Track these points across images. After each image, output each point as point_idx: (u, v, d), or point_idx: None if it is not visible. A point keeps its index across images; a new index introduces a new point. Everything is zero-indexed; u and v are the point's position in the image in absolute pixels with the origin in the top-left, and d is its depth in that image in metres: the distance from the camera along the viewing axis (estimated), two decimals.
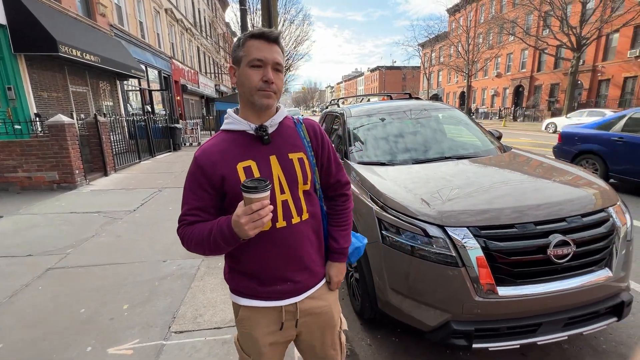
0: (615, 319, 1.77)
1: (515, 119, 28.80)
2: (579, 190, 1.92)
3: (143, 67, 13.09)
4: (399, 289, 1.85)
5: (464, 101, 33.66)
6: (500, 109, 31.62)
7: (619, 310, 1.76)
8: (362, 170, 2.47)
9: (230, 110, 1.03)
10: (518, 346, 1.67)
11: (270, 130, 0.97)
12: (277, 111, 1.02)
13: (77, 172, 6.16)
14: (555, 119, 17.61)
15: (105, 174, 7.21)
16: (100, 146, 7.08)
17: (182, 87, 19.04)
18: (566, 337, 1.70)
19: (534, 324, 1.66)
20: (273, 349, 1.07)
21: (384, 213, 1.93)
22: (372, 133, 3.06)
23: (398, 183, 2.15)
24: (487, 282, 1.62)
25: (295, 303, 1.03)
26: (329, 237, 1.14)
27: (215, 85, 29.07)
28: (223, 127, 1.02)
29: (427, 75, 41.36)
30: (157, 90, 15.65)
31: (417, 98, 4.13)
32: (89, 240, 3.71)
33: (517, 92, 30.73)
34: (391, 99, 4.85)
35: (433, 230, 1.70)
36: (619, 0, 18.54)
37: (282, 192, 0.96)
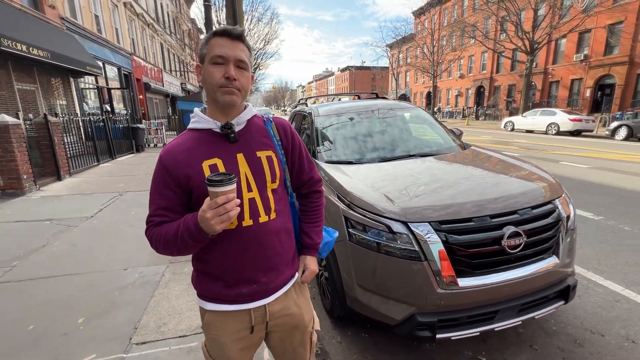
0: (562, 302, 1.91)
1: (477, 117, 30.39)
2: (531, 184, 2.06)
3: (100, 64, 12.29)
4: (367, 285, 1.88)
5: (431, 101, 34.98)
6: (463, 109, 33.20)
7: (566, 293, 1.90)
8: (330, 169, 2.48)
9: (197, 109, 1.01)
10: (478, 333, 1.76)
11: (237, 129, 0.97)
12: (245, 109, 1.01)
13: (25, 177, 5.66)
14: (512, 118, 18.78)
15: (59, 179, 6.69)
16: (52, 148, 6.55)
17: (145, 86, 18.13)
18: (520, 322, 1.81)
19: (491, 311, 1.76)
20: (242, 354, 1.05)
21: (351, 211, 1.95)
22: (340, 132, 3.08)
23: (364, 181, 2.18)
24: (449, 274, 1.69)
25: (264, 305, 1.01)
26: (302, 233, 1.16)
27: (182, 83, 27.99)
28: (190, 126, 1.01)
29: (396, 75, 42.47)
30: (117, 88, 14.78)
31: (384, 98, 4.22)
32: (39, 250, 3.42)
33: (479, 93, 32.41)
34: (359, 98, 4.93)
35: (397, 227, 1.75)
36: (565, 8, 20.16)
37: (250, 190, 0.95)
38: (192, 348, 1.96)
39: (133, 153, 10.86)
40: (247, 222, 0.95)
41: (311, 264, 1.15)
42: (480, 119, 29.91)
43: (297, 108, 4.44)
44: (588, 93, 21.61)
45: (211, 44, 0.91)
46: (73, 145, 7.64)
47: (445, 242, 1.69)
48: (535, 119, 16.91)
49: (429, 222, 1.72)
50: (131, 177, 7.06)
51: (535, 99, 25.05)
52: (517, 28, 20.30)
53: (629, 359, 1.92)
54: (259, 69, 27.20)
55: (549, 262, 1.83)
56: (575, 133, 15.36)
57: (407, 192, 1.95)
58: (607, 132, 13.92)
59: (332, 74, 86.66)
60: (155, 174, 0.96)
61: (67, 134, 7.49)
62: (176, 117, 20.84)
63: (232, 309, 0.99)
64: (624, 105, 19.55)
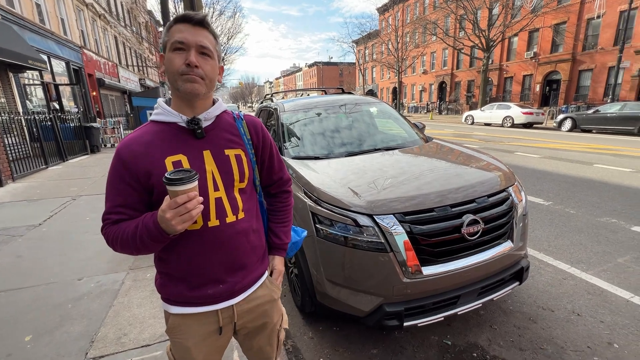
0: (517, 283, 2.05)
1: (440, 112, 31.72)
2: (488, 173, 2.17)
3: (45, 58, 11.24)
4: (335, 279, 1.89)
5: (397, 96, 35.93)
6: (427, 103, 34.51)
7: (520, 275, 2.04)
8: (297, 165, 2.45)
9: (160, 100, 0.94)
10: (443, 318, 1.83)
11: (205, 124, 0.92)
12: (214, 104, 0.96)
13: None
14: (472, 112, 19.80)
15: (0, 184, 6.07)
16: None
17: (98, 81, 16.89)
18: (481, 305, 1.92)
19: (454, 296, 1.84)
20: (210, 356, 1.02)
21: (318, 207, 1.95)
22: (307, 128, 3.06)
23: (331, 176, 2.18)
24: (414, 263, 1.74)
25: (232, 306, 0.98)
26: (271, 232, 1.14)
27: (140, 79, 26.41)
28: (152, 117, 0.94)
29: (362, 71, 43.09)
30: (66, 84, 13.64)
31: (350, 93, 4.25)
32: None
33: (441, 88, 33.81)
34: (326, 93, 4.92)
35: (363, 220, 1.76)
36: (516, 8, 21.52)
37: (216, 189, 0.91)
38: (157, 357, 1.86)
39: (87, 154, 10.10)
40: (214, 222, 0.91)
41: (279, 264, 1.14)
42: (443, 113, 31.25)
43: (263, 104, 4.35)
44: (538, 88, 23.31)
45: (172, 31, 0.86)
46: (16, 147, 6.94)
47: (409, 233, 1.74)
48: (492, 113, 17.97)
49: (394, 214, 1.76)
50: (85, 179, 6.56)
51: (492, 94, 26.58)
52: (474, 26, 21.38)
53: (574, 330, 2.10)
54: (224, 64, 26.36)
55: (505, 247, 1.94)
56: (528, 125, 16.53)
57: (373, 185, 1.98)
58: (554, 124, 15.14)
59: (299, 69, 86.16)
60: (111, 168, 0.89)
61: (8, 135, 6.79)
62: (133, 114, 19.72)
63: (198, 311, 0.95)
64: (569, 99, 21.34)
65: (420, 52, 33.81)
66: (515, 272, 2.01)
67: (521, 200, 2.08)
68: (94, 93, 16.42)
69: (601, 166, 6.75)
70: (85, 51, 15.62)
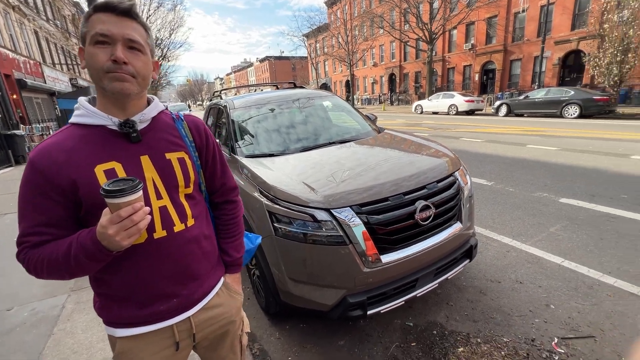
0: (468, 260, 2.20)
1: (392, 103, 32.96)
2: (436, 160, 2.28)
3: None
4: (298, 277, 1.87)
5: (350, 89, 36.60)
6: (379, 95, 35.64)
7: (470, 253, 2.19)
8: (251, 164, 2.37)
9: (82, 99, 0.82)
10: (404, 302, 1.90)
11: (140, 127, 0.83)
12: (149, 104, 0.87)
13: None
14: (420, 102, 20.85)
15: None
16: None
17: (18, 83, 14.88)
18: (437, 285, 2.03)
19: (412, 280, 1.92)
20: None
21: (275, 205, 1.90)
22: (260, 125, 2.97)
23: (287, 173, 2.14)
24: (373, 253, 1.77)
25: (189, 318, 0.91)
26: (220, 249, 1.05)
27: (71, 79, 23.79)
28: (73, 120, 0.81)
29: (315, 65, 43.14)
30: None
31: (301, 87, 4.21)
32: None
33: (391, 80, 35.08)
34: (277, 88, 4.83)
35: (321, 215, 1.76)
36: (454, 2, 22.93)
37: (159, 197, 0.83)
38: None
39: (11, 166, 8.92)
40: (160, 233, 0.83)
41: (234, 284, 1.06)
42: (395, 104, 32.51)
43: (213, 101, 4.15)
44: (477, 77, 25.20)
45: (91, 21, 0.76)
46: None
47: (366, 223, 1.77)
48: (439, 102, 19.08)
49: (351, 207, 1.77)
50: (9, 195, 5.79)
51: (437, 84, 28.19)
52: (418, 19, 22.39)
53: (518, 297, 2.32)
54: (168, 61, 24.76)
55: (455, 228, 2.06)
56: (470, 112, 17.82)
57: (331, 178, 1.98)
58: (492, 110, 16.51)
59: (251, 64, 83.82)
60: (23, 182, 0.76)
61: None
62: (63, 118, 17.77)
63: (150, 330, 0.87)
64: (503, 87, 23.38)
65: (370, 45, 34.69)
66: (465, 250, 2.15)
67: (466, 183, 2.22)
68: (14, 96, 14.44)
69: (533, 146, 7.50)
70: None
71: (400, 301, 1.89)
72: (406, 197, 1.88)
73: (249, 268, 2.55)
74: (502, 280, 2.54)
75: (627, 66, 13.82)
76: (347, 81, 40.17)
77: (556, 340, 1.91)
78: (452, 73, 27.88)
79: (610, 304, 2.17)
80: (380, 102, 33.25)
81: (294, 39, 67.87)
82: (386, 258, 1.80)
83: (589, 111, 12.33)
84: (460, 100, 17.69)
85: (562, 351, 1.83)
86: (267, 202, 1.94)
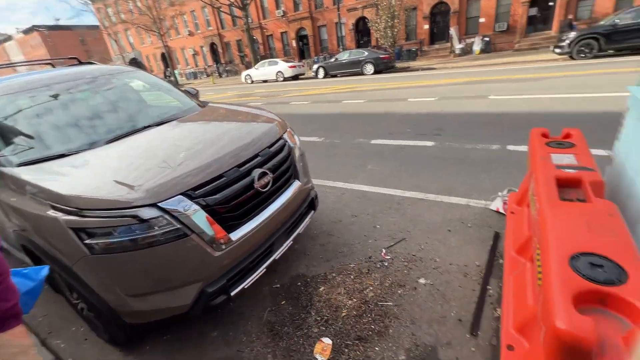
0: (313, 211, 2.43)
1: (220, 75, 31.34)
2: (263, 126, 2.30)
3: None
4: (140, 290, 1.59)
5: (167, 63, 32.24)
6: (205, 68, 33.08)
7: (313, 204, 2.42)
8: (31, 174, 1.73)
9: None
10: (265, 270, 1.95)
11: None
12: None
13: None
14: (249, 71, 20.76)
15: None
16: None
17: None
18: (292, 242, 2.17)
19: (268, 246, 1.97)
20: None
21: (81, 218, 1.48)
22: (39, 118, 2.17)
23: (93, 173, 1.69)
24: (221, 235, 1.68)
25: None
26: None
27: None
28: None
29: (114, 36, 35.17)
30: None
31: (90, 63, 3.31)
32: None
33: (213, 50, 32.95)
34: (53, 67, 3.63)
35: (147, 212, 1.49)
36: None
37: None
38: None
39: None
40: None
41: (16, 339, 0.78)
42: (224, 76, 31.09)
43: None
44: (294, 43, 26.95)
45: None
46: None
47: (206, 207, 1.64)
48: (266, 70, 19.52)
49: (182, 194, 1.58)
50: None
51: (260, 52, 28.54)
52: None
53: (355, 228, 2.79)
54: None
55: (295, 187, 2.21)
56: (295, 77, 19.17)
57: (163, 165, 1.69)
58: (313, 74, 18.29)
59: (10, 37, 60.12)
60: None
61: None
62: None
63: None
64: (317, 51, 26.05)
65: (178, 11, 30.90)
66: (308, 203, 2.36)
67: (295, 143, 2.38)
68: None
69: (347, 102, 8.86)
70: None
71: (261, 270, 1.92)
72: (241, 169, 1.84)
73: (73, 304, 2.00)
74: (342, 218, 2.99)
75: (395, 30, 17.92)
76: (163, 54, 35.00)
77: (384, 251, 2.45)
78: (271, 40, 28.70)
79: (410, 210, 2.94)
80: (208, 75, 31.04)
81: (72, 2, 52.40)
82: (236, 235, 1.75)
83: (379, 67, 15.51)
84: (284, 67, 18.65)
85: (389, 257, 2.37)
86: (66, 218, 1.49)
